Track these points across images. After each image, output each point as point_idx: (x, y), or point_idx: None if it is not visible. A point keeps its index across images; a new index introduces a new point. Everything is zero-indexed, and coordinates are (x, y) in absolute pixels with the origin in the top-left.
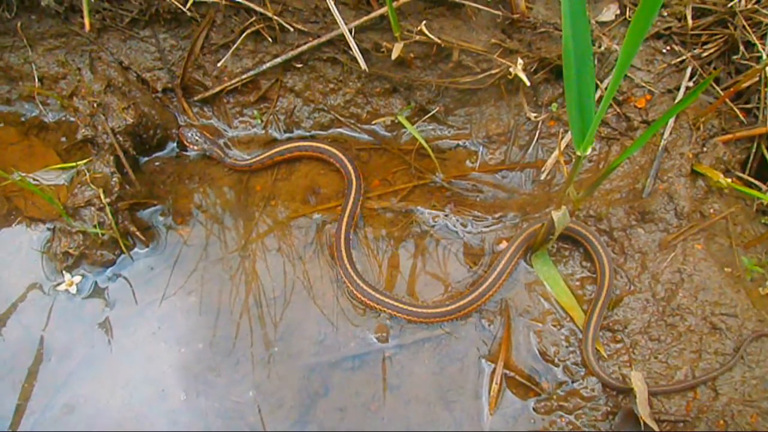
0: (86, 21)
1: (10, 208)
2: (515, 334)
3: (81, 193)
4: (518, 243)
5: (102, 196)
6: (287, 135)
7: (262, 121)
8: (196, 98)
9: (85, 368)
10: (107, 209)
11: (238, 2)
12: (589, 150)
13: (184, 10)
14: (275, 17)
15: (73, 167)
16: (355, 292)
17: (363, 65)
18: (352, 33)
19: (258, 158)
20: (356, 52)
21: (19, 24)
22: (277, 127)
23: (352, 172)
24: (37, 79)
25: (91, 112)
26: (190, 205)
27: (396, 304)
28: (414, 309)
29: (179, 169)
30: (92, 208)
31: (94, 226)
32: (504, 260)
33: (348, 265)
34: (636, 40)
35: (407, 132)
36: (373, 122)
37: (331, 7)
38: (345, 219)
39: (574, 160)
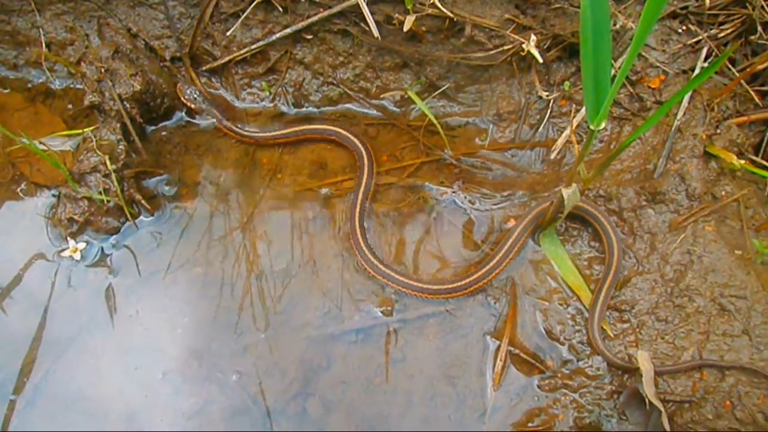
0: None
1: (14, 174)
2: (521, 313)
3: (87, 159)
4: (527, 221)
5: (108, 163)
6: (296, 110)
7: (270, 93)
8: (204, 68)
9: (87, 335)
10: (113, 176)
11: None
12: (603, 124)
13: None
14: None
15: (79, 134)
16: (366, 266)
17: (375, 33)
18: (362, 2)
19: (267, 135)
20: (369, 19)
21: None
22: (285, 100)
23: (365, 156)
24: (44, 45)
25: (99, 77)
26: (196, 176)
27: (404, 279)
28: (421, 285)
29: (186, 140)
30: (98, 175)
31: (100, 193)
32: (512, 238)
33: (361, 240)
34: (651, 18)
35: (417, 108)
36: (382, 96)
37: None
38: (359, 203)
39: (586, 136)
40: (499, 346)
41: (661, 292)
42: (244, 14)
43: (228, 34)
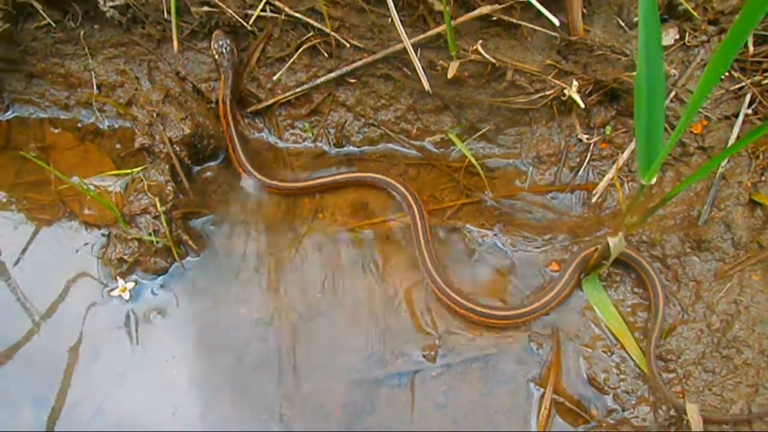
0: (174, 43)
1: (65, 212)
2: (565, 359)
3: (137, 200)
4: (573, 268)
5: (158, 205)
6: (336, 149)
7: (312, 134)
8: (249, 110)
9: (133, 373)
10: (162, 218)
11: (297, 18)
12: (654, 179)
13: (246, 25)
14: (333, 33)
15: (127, 174)
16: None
17: (426, 85)
18: (411, 51)
19: (305, 185)
20: (420, 71)
21: (82, 33)
22: (327, 140)
23: (410, 198)
24: (95, 87)
25: (150, 121)
26: (239, 215)
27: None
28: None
29: (229, 179)
30: (148, 216)
31: (150, 234)
32: (560, 284)
33: (434, 272)
34: (709, 83)
35: (456, 149)
36: (423, 138)
37: (396, 23)
38: (421, 236)
39: (628, 179)
40: (543, 394)
41: (708, 342)
42: (291, 60)
43: (275, 78)
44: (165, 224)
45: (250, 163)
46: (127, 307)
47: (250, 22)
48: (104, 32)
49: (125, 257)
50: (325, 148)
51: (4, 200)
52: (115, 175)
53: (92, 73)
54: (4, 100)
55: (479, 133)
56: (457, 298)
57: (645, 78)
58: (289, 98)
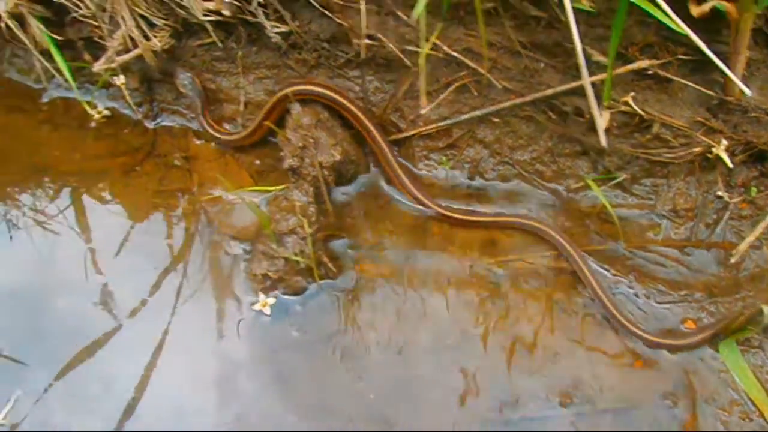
0: (423, 99)
1: (208, 222)
2: (701, 421)
3: (284, 220)
4: (712, 330)
5: (306, 227)
6: (469, 182)
7: (449, 167)
8: (389, 138)
9: (271, 387)
10: (309, 239)
11: (454, 56)
12: None
13: (406, 60)
14: (487, 74)
15: (269, 192)
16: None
17: (603, 142)
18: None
19: (481, 219)
20: (600, 128)
21: (239, 54)
22: (461, 173)
23: (568, 245)
24: (242, 104)
25: (304, 144)
26: (373, 240)
27: None
28: None
29: (364, 204)
30: (295, 237)
31: (296, 254)
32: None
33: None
34: None
35: (587, 194)
36: (558, 181)
37: (581, 65)
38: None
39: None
40: None
41: None
42: (442, 96)
43: (423, 112)
44: (311, 246)
45: (416, 188)
46: (267, 321)
47: (422, 59)
48: (260, 54)
49: (270, 273)
50: (459, 180)
51: (149, 206)
52: (257, 191)
53: (242, 90)
54: (154, 109)
55: (615, 181)
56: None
57: None
58: (430, 131)
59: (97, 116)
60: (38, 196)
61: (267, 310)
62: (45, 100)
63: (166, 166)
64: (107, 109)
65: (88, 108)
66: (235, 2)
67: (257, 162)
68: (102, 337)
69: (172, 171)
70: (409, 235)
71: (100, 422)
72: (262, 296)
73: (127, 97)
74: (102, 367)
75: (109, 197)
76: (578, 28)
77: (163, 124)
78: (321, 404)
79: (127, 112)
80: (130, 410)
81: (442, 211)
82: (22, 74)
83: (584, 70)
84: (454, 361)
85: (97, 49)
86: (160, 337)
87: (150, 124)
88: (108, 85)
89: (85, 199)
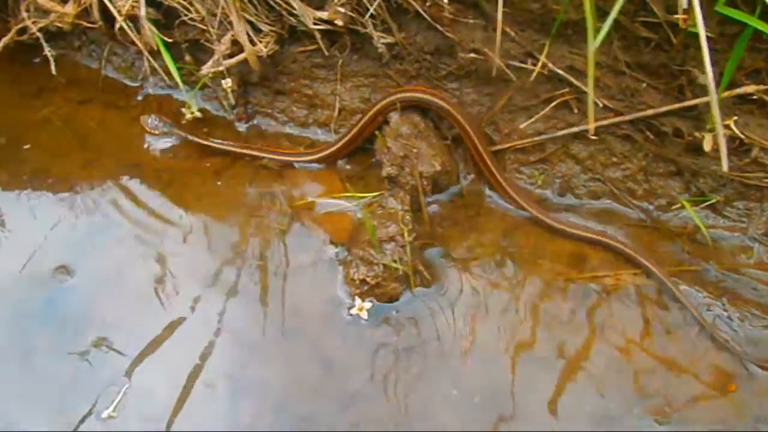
0: (590, 126)
1: (301, 225)
2: None
3: (383, 227)
4: None
5: (406, 235)
6: (559, 198)
7: (539, 181)
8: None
9: (369, 389)
10: (408, 247)
11: (558, 74)
12: None
13: (510, 74)
14: (590, 93)
15: (363, 198)
16: None
17: (725, 167)
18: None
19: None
20: (723, 153)
21: (340, 62)
22: (551, 188)
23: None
24: (337, 110)
25: (405, 154)
26: (463, 250)
27: None
28: None
29: (453, 213)
30: (394, 244)
31: (395, 261)
32: None
33: None
34: None
35: (678, 214)
36: (649, 200)
37: (710, 89)
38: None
39: None
40: None
41: None
42: (542, 113)
43: (523, 126)
44: (409, 254)
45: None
46: (364, 325)
47: (533, 76)
48: (360, 63)
49: (368, 279)
50: (548, 195)
51: (240, 207)
52: (350, 197)
53: (337, 97)
54: (248, 111)
55: (708, 203)
56: None
57: None
58: (524, 145)
59: (189, 116)
60: (130, 191)
61: (364, 315)
62: (139, 98)
63: (256, 168)
64: (200, 110)
65: (184, 109)
66: (349, 13)
67: (347, 167)
68: (197, 334)
69: (262, 173)
70: (499, 246)
71: (203, 420)
72: (358, 301)
73: (230, 98)
74: (199, 363)
75: (200, 196)
76: (688, 51)
77: (257, 125)
78: (423, 411)
79: (219, 113)
80: (226, 411)
81: (548, 220)
82: (119, 72)
83: (714, 95)
84: (545, 374)
85: (198, 51)
86: (256, 338)
87: (242, 126)
88: (203, 86)
89: (176, 197)
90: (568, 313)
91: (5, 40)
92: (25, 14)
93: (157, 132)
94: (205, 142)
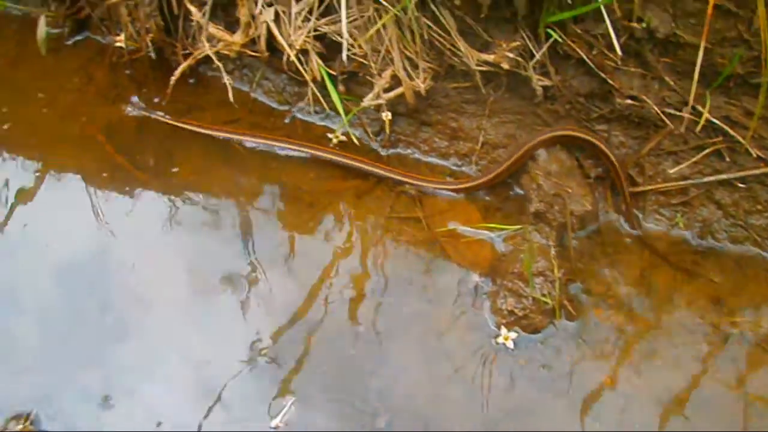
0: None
1: (442, 251)
2: None
3: (533, 261)
4: None
5: (555, 270)
6: (699, 241)
7: (680, 224)
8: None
9: (513, 415)
10: (557, 282)
11: (713, 123)
12: None
13: (667, 121)
14: (747, 144)
15: (504, 230)
16: None
17: None
18: None
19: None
20: None
21: (491, 99)
22: (690, 231)
23: None
24: (480, 143)
25: (557, 192)
26: (602, 287)
27: None
28: None
29: (592, 250)
30: (543, 278)
31: (544, 295)
32: None
33: None
34: None
35: None
36: None
37: None
38: None
39: None
40: None
41: None
42: (691, 160)
43: (673, 171)
44: (557, 288)
45: None
46: (509, 354)
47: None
48: (510, 101)
49: (516, 310)
50: (687, 237)
51: (381, 231)
52: (491, 228)
53: (482, 132)
54: (391, 139)
55: None
56: None
57: None
58: (668, 189)
59: (334, 140)
60: (272, 211)
61: (510, 344)
62: (286, 120)
63: (396, 193)
64: (344, 134)
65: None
66: (516, 57)
67: (486, 198)
68: (361, 352)
69: (401, 198)
70: (637, 284)
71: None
72: (504, 330)
73: (386, 128)
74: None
75: (341, 218)
76: None
77: (396, 152)
78: None
79: (363, 138)
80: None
81: None
82: (268, 96)
83: None
84: (687, 415)
85: (351, 83)
86: (403, 360)
87: (384, 152)
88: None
89: (319, 217)
90: (708, 354)
91: (183, 67)
92: (206, 44)
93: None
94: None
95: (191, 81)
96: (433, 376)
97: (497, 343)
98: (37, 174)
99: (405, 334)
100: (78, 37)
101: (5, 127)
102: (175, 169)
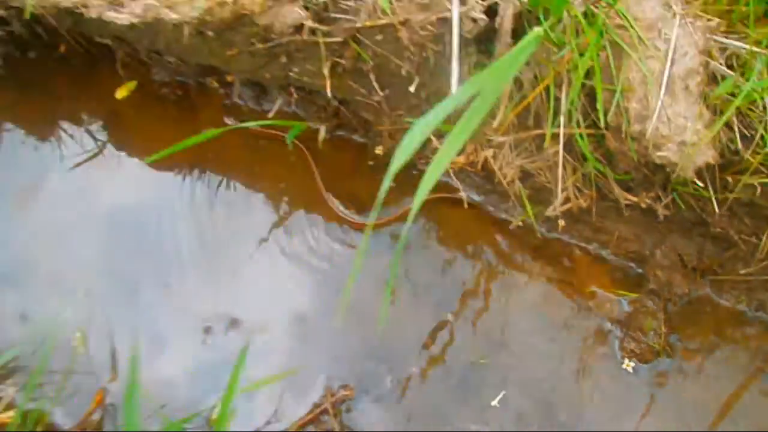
0: None
1: (587, 306)
2: None
3: (646, 320)
4: None
5: (663, 327)
6: (755, 313)
7: (745, 302)
8: (708, 277)
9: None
10: (663, 336)
11: None
12: None
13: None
14: None
15: (627, 296)
16: None
17: None
18: None
19: None
20: None
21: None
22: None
23: None
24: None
25: (668, 280)
26: (692, 341)
27: None
28: None
29: (682, 311)
30: (653, 333)
31: (653, 343)
32: None
33: None
34: None
35: None
36: None
37: None
38: None
39: None
40: None
41: None
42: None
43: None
44: (663, 339)
45: None
46: (630, 375)
47: None
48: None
49: (635, 350)
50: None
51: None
52: (620, 294)
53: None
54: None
55: None
56: None
57: None
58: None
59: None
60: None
61: (630, 369)
62: None
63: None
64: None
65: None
66: (650, 203)
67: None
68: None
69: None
70: (716, 344)
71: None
72: (626, 360)
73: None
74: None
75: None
76: None
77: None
78: None
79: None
80: None
81: None
82: None
83: None
84: None
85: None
86: (546, 385)
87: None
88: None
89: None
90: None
91: None
92: None
93: None
94: None
95: None
96: (578, 388)
97: (623, 368)
98: None
99: (558, 360)
100: None
101: None
102: None
